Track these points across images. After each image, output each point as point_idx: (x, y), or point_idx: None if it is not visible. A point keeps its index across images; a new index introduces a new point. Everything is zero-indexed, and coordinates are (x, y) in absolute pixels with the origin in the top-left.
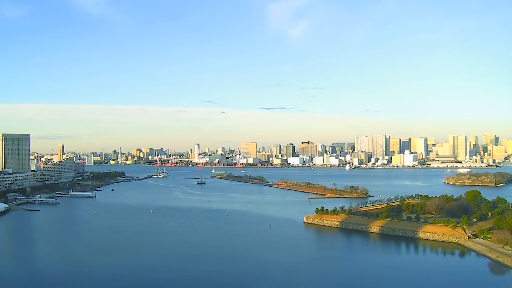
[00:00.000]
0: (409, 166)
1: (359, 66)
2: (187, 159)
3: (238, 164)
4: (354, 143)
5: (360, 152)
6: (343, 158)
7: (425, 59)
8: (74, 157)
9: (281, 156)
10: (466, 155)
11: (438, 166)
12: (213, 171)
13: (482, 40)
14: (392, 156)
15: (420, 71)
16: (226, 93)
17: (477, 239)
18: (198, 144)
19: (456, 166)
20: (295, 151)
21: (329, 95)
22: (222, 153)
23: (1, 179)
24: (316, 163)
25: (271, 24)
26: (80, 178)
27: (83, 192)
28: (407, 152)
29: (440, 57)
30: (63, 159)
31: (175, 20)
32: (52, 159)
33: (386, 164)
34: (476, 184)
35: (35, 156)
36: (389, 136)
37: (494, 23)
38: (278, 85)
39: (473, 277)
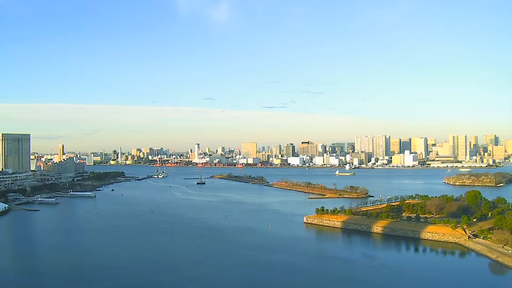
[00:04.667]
0: (409, 166)
1: (345, 60)
2: (187, 159)
3: (238, 164)
4: (354, 143)
5: (360, 152)
6: (343, 158)
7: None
8: (74, 157)
9: (281, 156)
10: (466, 155)
11: (438, 166)
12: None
13: (482, 39)
14: (392, 156)
15: (420, 71)
16: (226, 92)
17: (477, 239)
18: (198, 144)
19: (456, 166)
20: (295, 151)
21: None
22: (222, 153)
23: (1, 179)
24: (316, 163)
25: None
26: (80, 178)
27: (83, 192)
28: (407, 152)
29: (440, 57)
30: (63, 159)
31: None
32: (52, 159)
33: (386, 164)
34: (476, 184)
35: (35, 156)
36: (389, 136)
37: (494, 21)
38: (279, 83)
39: (473, 277)
